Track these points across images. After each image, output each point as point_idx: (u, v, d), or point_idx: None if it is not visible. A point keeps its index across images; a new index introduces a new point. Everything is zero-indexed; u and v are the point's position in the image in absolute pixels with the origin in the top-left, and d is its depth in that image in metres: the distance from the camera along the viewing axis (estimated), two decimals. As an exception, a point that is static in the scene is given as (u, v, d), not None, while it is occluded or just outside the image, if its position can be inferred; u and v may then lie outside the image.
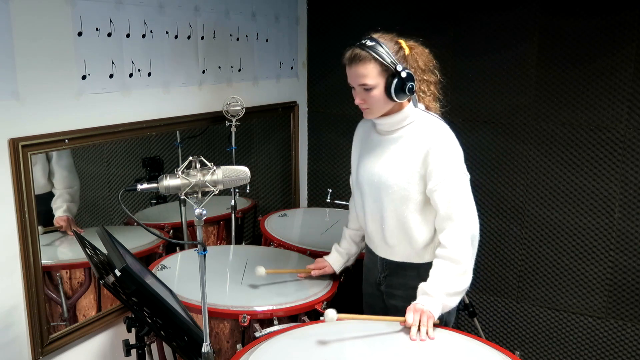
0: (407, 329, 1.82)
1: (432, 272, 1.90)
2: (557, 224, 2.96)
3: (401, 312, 1.91)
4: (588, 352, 3.01)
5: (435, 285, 1.86)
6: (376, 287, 2.19)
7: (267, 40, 3.16)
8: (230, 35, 2.90)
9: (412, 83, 1.89)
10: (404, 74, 1.87)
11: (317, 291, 2.22)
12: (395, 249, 2.07)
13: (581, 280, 2.96)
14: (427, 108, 2.04)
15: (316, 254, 2.60)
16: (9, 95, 1.93)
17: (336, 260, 2.31)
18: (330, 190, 3.24)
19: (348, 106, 3.43)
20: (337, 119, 3.48)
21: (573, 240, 2.94)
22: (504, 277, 3.14)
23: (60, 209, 2.35)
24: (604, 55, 2.73)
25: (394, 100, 1.91)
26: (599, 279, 2.91)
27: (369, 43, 1.89)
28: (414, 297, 1.89)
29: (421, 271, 2.00)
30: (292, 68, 3.42)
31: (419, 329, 1.78)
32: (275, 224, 2.98)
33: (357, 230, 2.29)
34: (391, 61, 1.87)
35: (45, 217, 2.25)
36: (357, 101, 1.97)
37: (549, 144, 2.92)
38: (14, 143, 1.95)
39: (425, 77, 2.00)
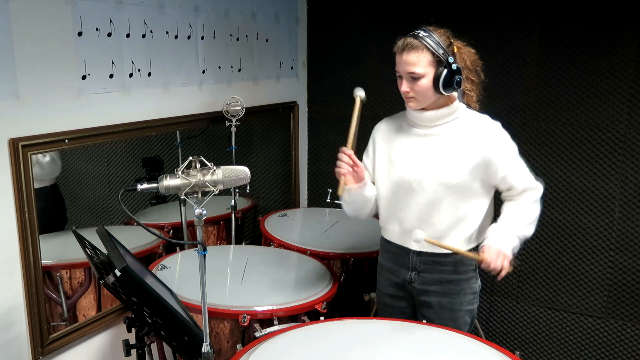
0: (406, 329, 1.82)
1: (504, 217, 2.05)
2: (557, 224, 2.96)
3: (434, 308, 2.08)
4: (588, 352, 3.01)
5: (509, 227, 2.00)
6: (402, 287, 2.15)
7: (267, 40, 3.16)
8: (230, 35, 2.89)
9: (460, 76, 1.92)
10: (454, 66, 1.91)
11: (317, 291, 2.22)
12: (444, 241, 2.03)
13: (581, 280, 2.95)
14: (468, 107, 2.06)
15: (316, 254, 2.61)
16: (9, 95, 1.93)
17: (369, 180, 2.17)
18: (330, 190, 3.24)
19: (348, 106, 3.43)
20: (337, 119, 3.47)
21: (573, 240, 2.94)
22: (504, 277, 3.13)
23: None
24: (604, 55, 2.72)
25: (440, 93, 1.93)
26: (599, 279, 2.91)
27: (422, 33, 1.92)
28: (449, 291, 2.06)
29: (457, 265, 2.06)
30: (292, 68, 3.42)
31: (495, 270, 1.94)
32: (275, 224, 2.98)
33: None
34: (443, 52, 1.90)
35: (45, 217, 2.24)
36: (402, 89, 1.97)
37: (549, 144, 2.92)
38: (14, 143, 1.95)
39: (470, 76, 2.02)
